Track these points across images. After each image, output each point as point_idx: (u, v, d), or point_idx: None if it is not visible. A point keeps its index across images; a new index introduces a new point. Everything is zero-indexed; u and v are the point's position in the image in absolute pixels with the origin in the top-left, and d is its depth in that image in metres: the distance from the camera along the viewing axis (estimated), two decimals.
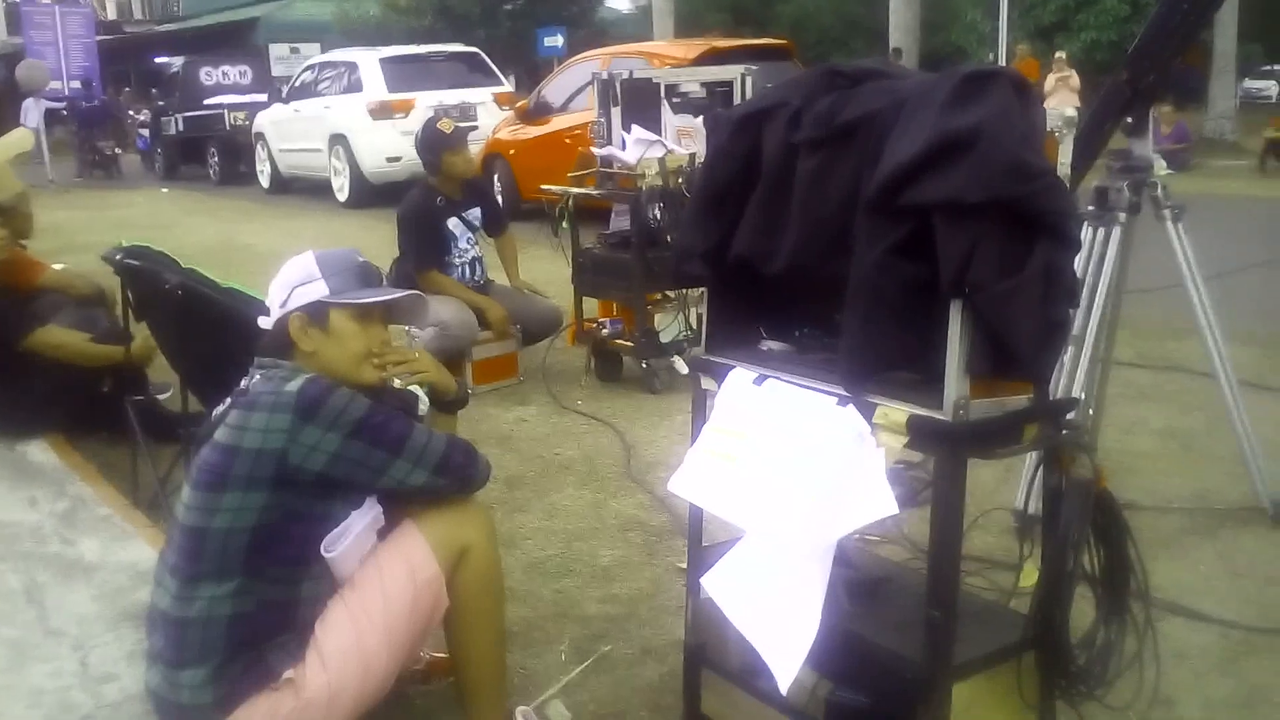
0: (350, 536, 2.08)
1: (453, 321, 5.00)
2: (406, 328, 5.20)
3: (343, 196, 13.44)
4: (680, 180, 4.83)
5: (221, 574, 2.01)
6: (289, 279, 2.22)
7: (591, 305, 5.46)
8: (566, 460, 4.28)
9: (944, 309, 1.67)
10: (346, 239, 10.81)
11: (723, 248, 1.98)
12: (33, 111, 18.23)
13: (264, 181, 15.78)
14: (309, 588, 2.07)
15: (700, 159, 5.02)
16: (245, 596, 2.01)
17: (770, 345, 2.11)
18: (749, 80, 5.11)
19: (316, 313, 2.18)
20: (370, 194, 12.82)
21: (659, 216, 4.81)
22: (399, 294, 2.26)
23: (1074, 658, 1.92)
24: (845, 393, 1.78)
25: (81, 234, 11.57)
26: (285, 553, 2.04)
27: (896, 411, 1.70)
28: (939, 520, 1.69)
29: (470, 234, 5.29)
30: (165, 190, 17.07)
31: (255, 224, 12.15)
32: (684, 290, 5.10)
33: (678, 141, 5.01)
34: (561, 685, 2.63)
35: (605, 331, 5.20)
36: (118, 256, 3.30)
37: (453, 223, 5.21)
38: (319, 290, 2.18)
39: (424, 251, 5.15)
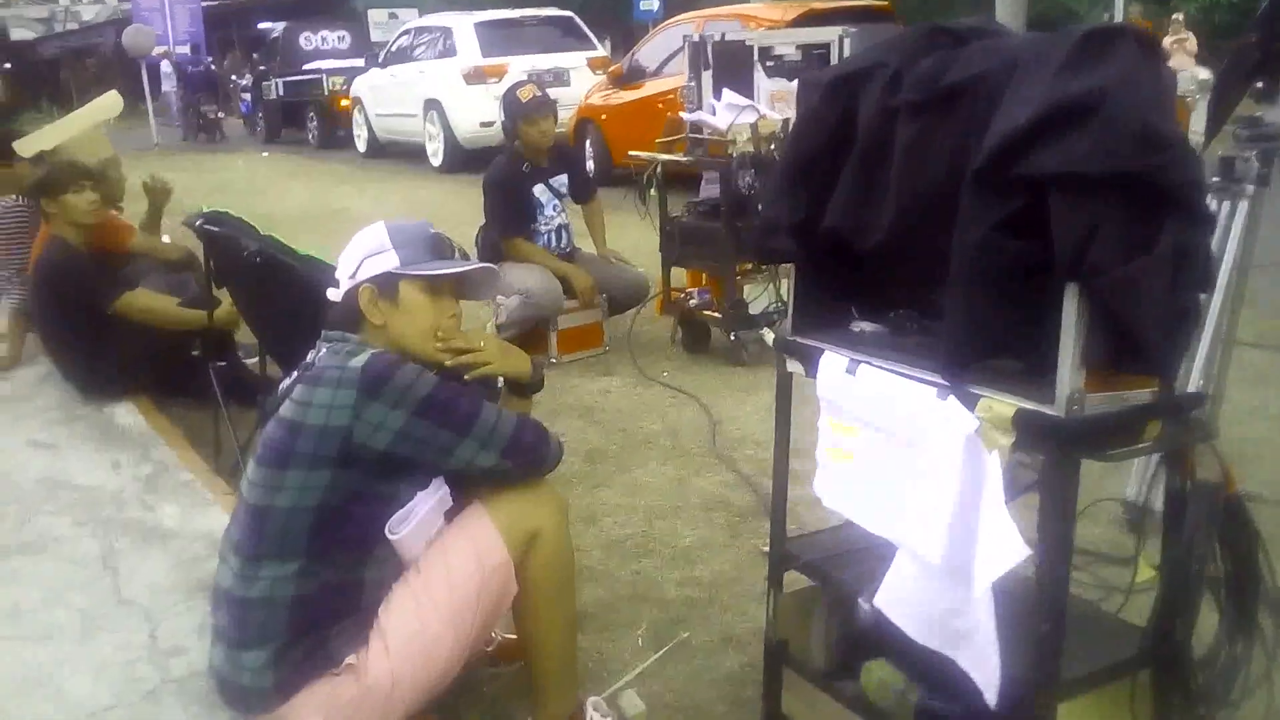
0: (416, 519, 2.00)
1: (537, 289, 4.92)
2: (494, 296, 5.17)
3: (437, 161, 13.47)
4: (773, 147, 4.65)
5: (284, 554, 1.95)
6: (359, 249, 2.14)
7: (679, 275, 5.33)
8: (650, 434, 4.17)
9: (1057, 293, 1.50)
10: (438, 204, 10.83)
11: (812, 221, 1.83)
12: (170, 76, 18.65)
13: (360, 146, 15.92)
14: (373, 571, 2.00)
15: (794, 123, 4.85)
16: (308, 578, 1.95)
17: (862, 327, 1.96)
18: (847, 42, 4.89)
19: (386, 284, 2.09)
20: (464, 159, 12.82)
21: (750, 184, 4.64)
22: (470, 266, 2.16)
23: (1195, 676, 1.74)
24: (945, 382, 1.63)
25: (181, 197, 11.79)
26: (349, 534, 1.97)
27: (1002, 405, 1.54)
28: (1047, 528, 1.53)
29: (557, 201, 5.19)
30: (265, 154, 17.34)
31: (349, 188, 12.25)
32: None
33: (771, 106, 4.83)
34: (636, 673, 2.54)
35: (693, 302, 5.06)
36: (198, 222, 3.27)
37: (539, 189, 5.11)
38: (389, 261, 2.10)
39: (509, 218, 5.07)
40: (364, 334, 2.11)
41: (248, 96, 21.11)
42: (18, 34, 31.05)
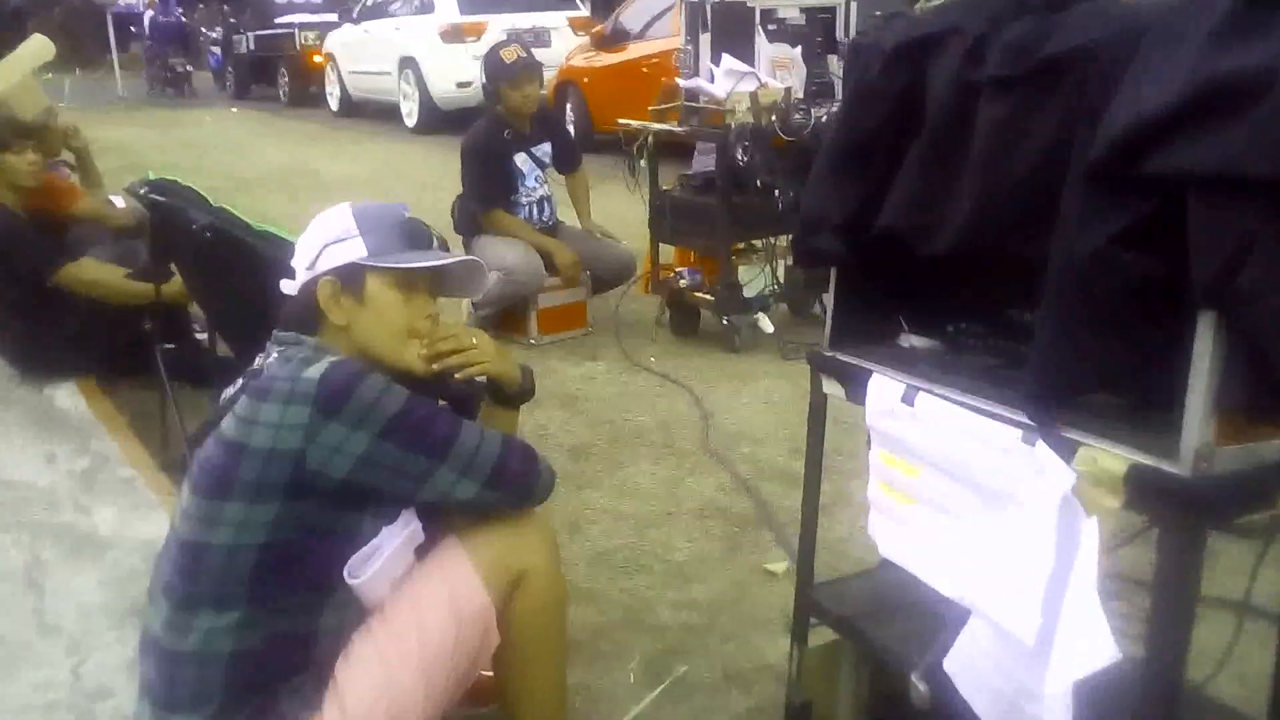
0: (381, 558, 1.69)
1: (517, 266, 4.59)
2: (476, 295, 4.82)
3: (411, 122, 13.03)
4: (773, 117, 4.34)
5: (222, 601, 1.63)
6: (319, 235, 1.81)
7: (668, 252, 5.00)
8: (639, 427, 3.86)
9: (1184, 320, 1.20)
10: (414, 167, 10.42)
11: (863, 217, 1.52)
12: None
13: (333, 104, 15.44)
14: (329, 619, 1.69)
15: (797, 93, 4.54)
16: (250, 630, 1.63)
17: (913, 342, 1.66)
18: (854, 6, 4.57)
19: (350, 277, 1.77)
20: (439, 120, 12.40)
21: (748, 157, 4.33)
22: (451, 259, 1.84)
23: None
24: (1032, 423, 1.33)
25: (146, 154, 11.33)
26: (300, 577, 1.66)
27: (1110, 458, 1.25)
28: (1162, 616, 1.24)
29: (539, 171, 4.85)
30: (235, 110, 16.78)
31: (322, 148, 11.81)
32: (771, 239, 4.64)
33: (772, 74, 4.50)
34: (631, 717, 2.25)
35: (683, 282, 4.75)
36: (142, 190, 2.92)
37: (520, 158, 4.77)
38: (355, 250, 1.77)
39: (488, 188, 4.73)
40: (322, 335, 1.79)
41: (217, 50, 20.44)
42: None
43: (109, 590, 2.44)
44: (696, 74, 4.53)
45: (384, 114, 13.91)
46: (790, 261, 4.71)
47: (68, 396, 3.62)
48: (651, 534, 3.08)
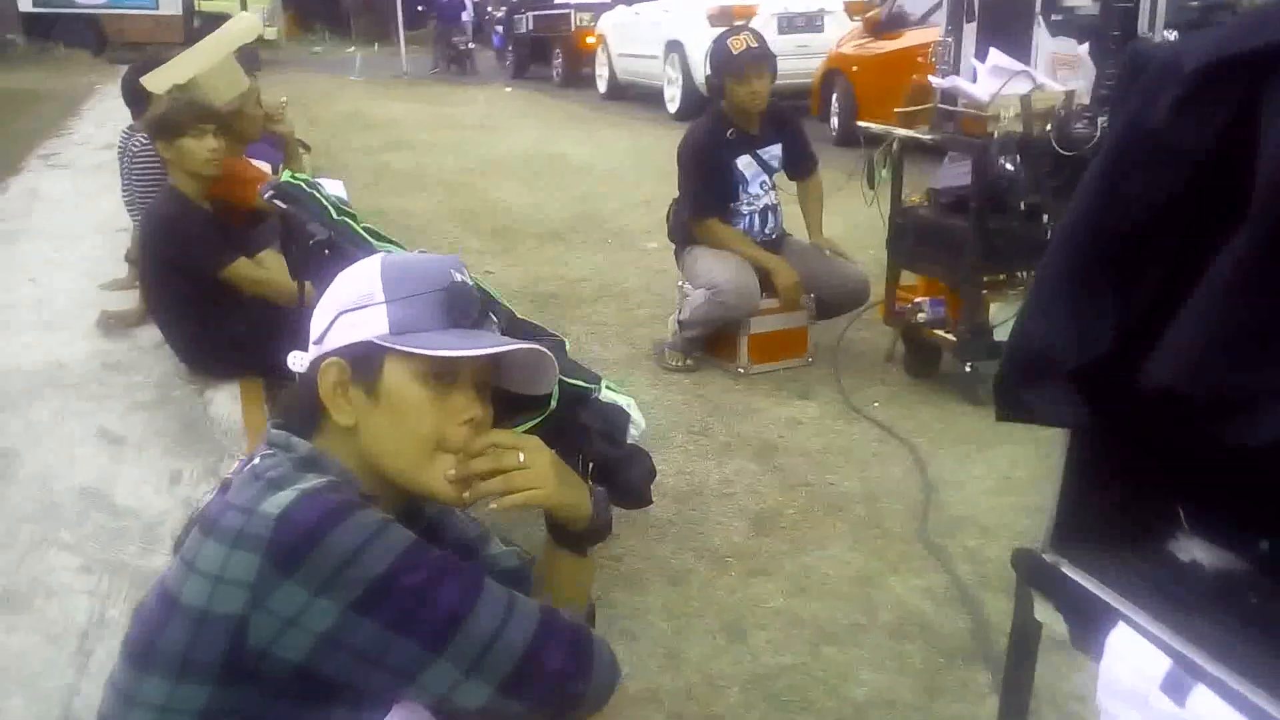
0: None
1: (728, 285, 4.02)
2: (681, 282, 4.32)
3: (673, 108, 12.64)
4: (1049, 126, 3.55)
5: None
6: (337, 297, 1.33)
7: (912, 276, 4.28)
8: (842, 496, 3.22)
9: None
10: (664, 155, 9.97)
11: (1123, 362, 0.86)
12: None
13: (601, 87, 15.30)
14: None
15: (1081, 98, 3.71)
16: None
17: (1198, 555, 0.98)
18: None
19: (364, 361, 1.27)
20: (703, 106, 11.88)
21: (1013, 174, 3.56)
22: (503, 345, 1.30)
23: None
24: None
25: (411, 130, 11.54)
26: None
27: None
28: None
29: (765, 176, 4.26)
30: (509, 89, 16.99)
31: (577, 132, 11.60)
32: (1032, 273, 3.84)
33: (1052, 74, 3.70)
34: None
35: (922, 315, 4.02)
36: (267, 194, 2.57)
37: (744, 161, 4.19)
38: (374, 323, 1.28)
39: (703, 195, 4.18)
40: (321, 438, 1.30)
41: (501, 29, 20.89)
42: None
43: None
44: (956, 71, 3.80)
45: (649, 99, 13.61)
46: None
47: (225, 401, 3.38)
48: (829, 653, 2.45)
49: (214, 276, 3.44)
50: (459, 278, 1.33)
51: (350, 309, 1.30)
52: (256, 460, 1.26)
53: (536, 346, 1.32)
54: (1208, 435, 0.81)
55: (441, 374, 1.27)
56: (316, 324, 1.33)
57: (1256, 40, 0.76)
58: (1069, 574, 1.00)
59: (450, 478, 1.27)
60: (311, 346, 1.33)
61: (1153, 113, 0.82)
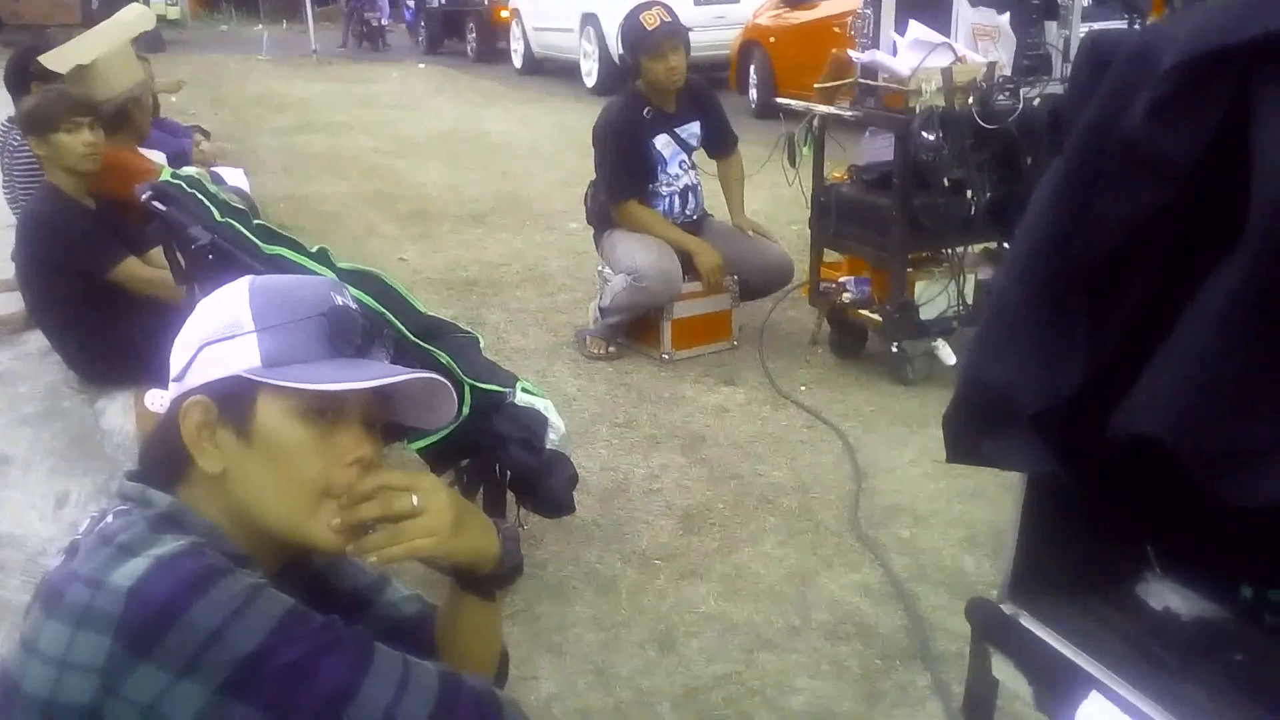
0: None
1: (649, 270, 3.90)
2: (601, 267, 4.17)
3: (591, 82, 12.43)
4: (970, 99, 3.47)
5: None
6: (199, 328, 1.16)
7: (833, 257, 4.19)
8: (772, 487, 3.12)
9: None
10: (585, 131, 9.77)
11: (1094, 403, 0.75)
12: None
13: (516, 61, 15.01)
14: None
15: (1004, 69, 3.63)
16: None
17: (1170, 602, 0.88)
18: None
19: (233, 398, 1.12)
20: (620, 80, 11.59)
21: (936, 149, 3.48)
22: (400, 376, 1.15)
23: None
24: None
25: (323, 110, 11.17)
26: None
27: None
28: None
29: (684, 155, 4.13)
30: (422, 66, 16.57)
31: (496, 109, 11.34)
32: (958, 250, 3.78)
33: (973, 45, 3.61)
34: None
35: (847, 296, 3.93)
36: (145, 195, 2.36)
37: (662, 141, 4.05)
38: (244, 354, 1.12)
39: (621, 177, 4.04)
40: (185, 487, 1.14)
41: (412, 3, 20.39)
42: None
43: None
44: (876, 45, 3.69)
45: (565, 73, 13.38)
46: (979, 276, 3.84)
47: (118, 413, 3.16)
48: (765, 659, 2.36)
49: (103, 278, 3.22)
50: (339, 300, 1.18)
51: (215, 340, 1.14)
52: (108, 518, 1.10)
53: (431, 376, 1.18)
54: (1193, 487, 0.70)
55: (324, 410, 1.12)
56: (177, 358, 1.17)
57: (1250, 29, 0.64)
58: (1030, 627, 0.89)
59: (335, 527, 1.13)
60: (171, 384, 1.17)
61: (1125, 117, 0.70)
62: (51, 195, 3.29)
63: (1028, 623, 0.89)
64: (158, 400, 1.19)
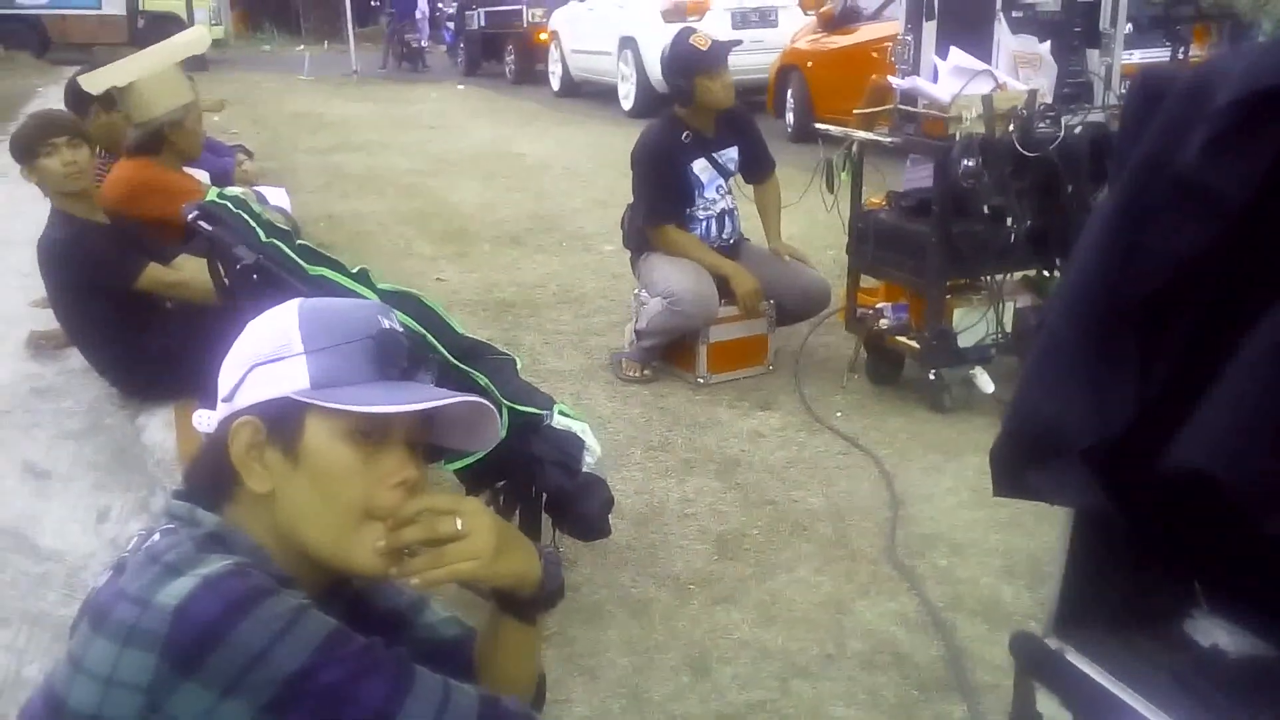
0: None
1: (686, 294, 3.90)
2: (638, 290, 4.18)
3: (628, 105, 12.49)
4: (1012, 129, 3.46)
5: None
6: (249, 348, 1.18)
7: (870, 283, 4.17)
8: (807, 513, 3.11)
9: None
10: (620, 153, 9.81)
11: (1144, 439, 0.74)
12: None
13: (554, 84, 15.11)
14: None
15: (1044, 97, 3.62)
16: None
17: (1221, 640, 0.87)
18: None
19: (281, 420, 1.13)
20: (657, 103, 11.67)
21: (975, 177, 3.47)
22: (446, 399, 1.16)
23: None
24: None
25: (363, 130, 11.30)
26: None
27: None
28: None
29: (722, 180, 4.14)
30: (461, 87, 16.75)
31: (533, 130, 11.43)
32: (998, 278, 3.76)
33: (1014, 72, 3.61)
34: None
35: (884, 323, 3.92)
36: (191, 215, 2.40)
37: (700, 165, 4.07)
38: (293, 376, 1.14)
39: (659, 201, 4.05)
40: (232, 507, 1.16)
41: (452, 25, 20.60)
42: None
43: None
44: (916, 71, 3.69)
45: (603, 96, 13.47)
46: (1018, 304, 3.82)
47: (160, 428, 3.20)
48: (799, 687, 2.34)
49: (128, 289, 3.25)
50: (386, 324, 1.19)
51: (265, 361, 1.16)
52: (155, 537, 1.12)
53: (477, 399, 1.19)
54: (1242, 523, 0.70)
55: (370, 432, 1.14)
56: (226, 379, 1.19)
57: None
58: (1075, 662, 0.89)
59: (378, 549, 1.14)
60: (220, 404, 1.19)
61: (1178, 153, 0.70)
62: (62, 221, 3.30)
63: (1073, 658, 0.89)
64: (205, 420, 1.21)
